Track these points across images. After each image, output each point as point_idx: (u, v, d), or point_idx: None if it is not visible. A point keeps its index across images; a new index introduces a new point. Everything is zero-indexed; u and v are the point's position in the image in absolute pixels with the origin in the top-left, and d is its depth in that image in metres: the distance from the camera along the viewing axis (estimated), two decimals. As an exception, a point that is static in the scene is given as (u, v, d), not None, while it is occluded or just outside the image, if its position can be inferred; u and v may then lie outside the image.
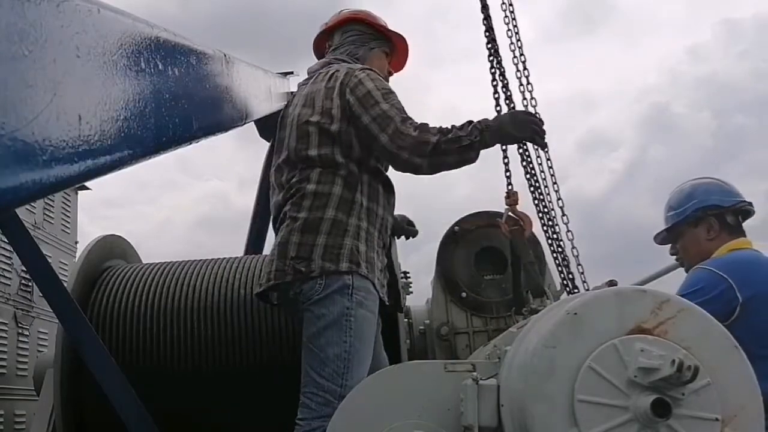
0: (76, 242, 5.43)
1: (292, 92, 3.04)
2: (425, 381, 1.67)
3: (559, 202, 2.53)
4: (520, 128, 2.37)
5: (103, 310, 3.04)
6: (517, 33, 2.57)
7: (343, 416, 1.69)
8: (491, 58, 2.60)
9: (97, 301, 3.07)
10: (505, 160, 2.59)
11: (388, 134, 2.36)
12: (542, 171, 2.56)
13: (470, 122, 2.36)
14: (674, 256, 3.06)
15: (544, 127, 2.41)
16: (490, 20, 2.61)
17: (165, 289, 3.06)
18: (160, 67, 1.50)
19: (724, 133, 31.29)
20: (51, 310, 3.07)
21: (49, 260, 3.34)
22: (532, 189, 2.56)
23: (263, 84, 2.74)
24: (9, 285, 4.51)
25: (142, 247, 3.68)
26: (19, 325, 4.60)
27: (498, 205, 2.85)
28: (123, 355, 2.92)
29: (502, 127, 2.36)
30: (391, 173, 2.60)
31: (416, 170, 2.40)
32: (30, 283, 4.62)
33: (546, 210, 2.55)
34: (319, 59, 2.88)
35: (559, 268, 2.51)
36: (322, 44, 2.91)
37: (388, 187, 2.58)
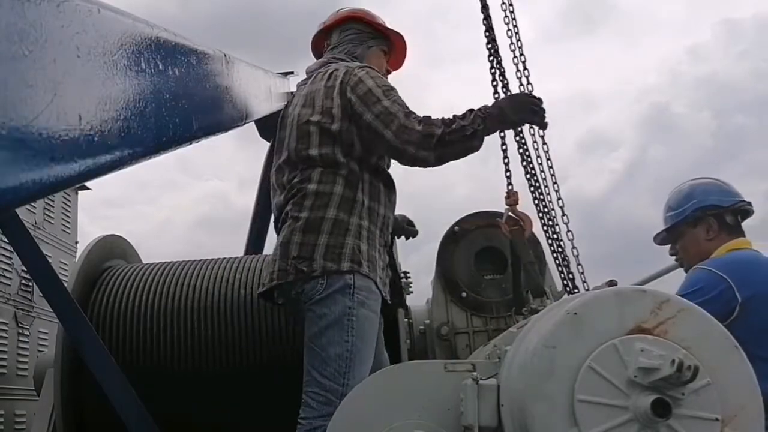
0: (76, 242, 5.44)
1: (292, 92, 3.04)
2: (425, 381, 1.67)
3: (559, 202, 2.53)
4: (520, 111, 2.38)
5: (103, 310, 3.04)
6: (517, 33, 2.57)
7: (343, 416, 1.69)
8: (491, 58, 2.60)
9: (97, 301, 3.07)
10: (505, 160, 2.59)
11: (392, 130, 2.37)
12: (542, 171, 2.56)
13: (471, 110, 2.36)
14: (674, 257, 3.06)
15: (543, 106, 2.41)
16: (490, 20, 2.61)
17: (165, 289, 3.07)
18: (161, 67, 1.50)
19: (724, 133, 31.32)
20: (51, 310, 3.08)
21: (49, 260, 3.34)
22: (532, 189, 2.55)
23: (263, 84, 2.74)
24: (9, 285, 4.51)
25: (142, 247, 3.69)
26: (20, 325, 4.60)
27: (498, 205, 2.86)
28: (123, 355, 2.92)
29: (503, 111, 2.37)
30: (392, 172, 2.60)
31: (424, 163, 2.40)
32: (30, 283, 4.63)
33: (546, 210, 2.55)
34: (317, 58, 2.88)
35: (559, 268, 2.51)
36: (320, 43, 2.91)
37: (390, 185, 2.58)
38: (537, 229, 2.62)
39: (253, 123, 2.85)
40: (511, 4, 2.60)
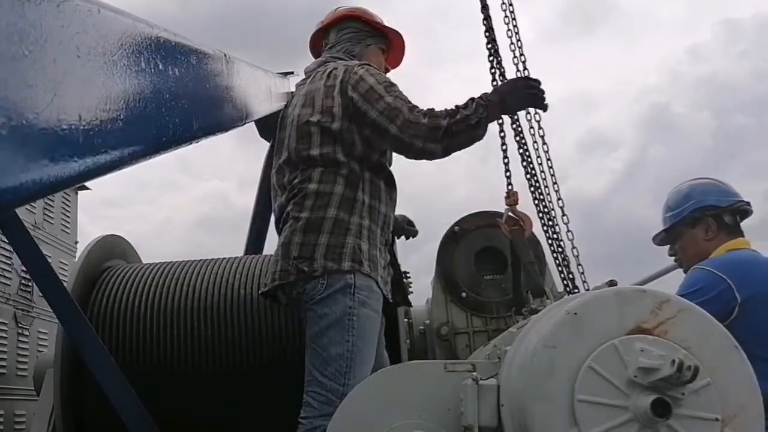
0: (76, 242, 5.43)
1: (292, 92, 3.04)
2: (425, 381, 1.67)
3: (559, 202, 2.53)
4: (521, 96, 2.40)
5: (103, 310, 3.04)
6: (517, 33, 2.57)
7: (343, 416, 1.69)
8: (491, 58, 2.60)
9: (97, 301, 3.07)
10: (505, 160, 2.59)
11: (397, 125, 2.37)
12: (542, 171, 2.56)
13: (472, 99, 2.37)
14: (673, 257, 3.06)
15: (542, 87, 2.41)
16: (490, 20, 2.61)
17: (165, 289, 3.06)
18: (161, 67, 1.50)
19: (724, 133, 31.34)
20: (51, 310, 3.07)
21: (49, 260, 3.34)
22: (532, 189, 2.55)
23: (263, 84, 2.74)
24: (9, 285, 4.51)
25: (142, 247, 3.69)
26: (19, 325, 4.60)
27: (498, 205, 2.86)
28: (123, 355, 2.92)
29: (503, 98, 2.38)
30: (392, 171, 2.60)
31: (431, 156, 2.41)
32: (30, 283, 4.62)
33: (546, 210, 2.55)
34: (315, 58, 2.88)
35: (559, 268, 2.51)
36: (318, 42, 2.91)
37: (391, 183, 2.58)
38: (537, 229, 2.62)
39: (253, 123, 2.85)
40: (511, 4, 2.60)
